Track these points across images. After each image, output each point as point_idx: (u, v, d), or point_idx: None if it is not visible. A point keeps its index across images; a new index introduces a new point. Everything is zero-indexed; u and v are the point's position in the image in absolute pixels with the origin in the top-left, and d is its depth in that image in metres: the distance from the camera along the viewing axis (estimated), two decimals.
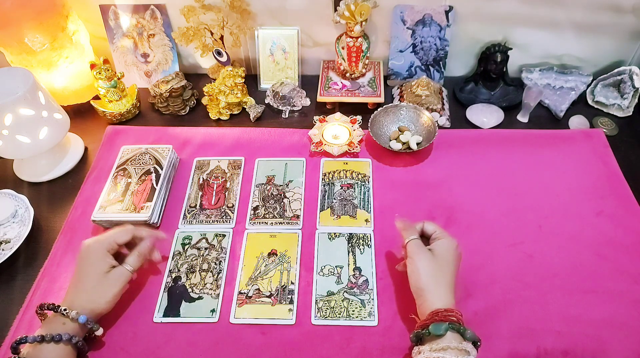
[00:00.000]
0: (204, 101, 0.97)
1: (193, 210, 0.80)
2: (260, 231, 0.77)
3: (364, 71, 0.99)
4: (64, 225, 0.79)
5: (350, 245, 0.74)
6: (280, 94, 0.97)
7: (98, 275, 0.62)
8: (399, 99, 0.98)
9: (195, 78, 1.06)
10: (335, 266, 0.72)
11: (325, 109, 0.99)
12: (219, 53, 0.99)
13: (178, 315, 0.67)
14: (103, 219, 0.75)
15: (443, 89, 1.01)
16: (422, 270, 0.60)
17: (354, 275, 0.71)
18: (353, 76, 0.98)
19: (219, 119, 0.98)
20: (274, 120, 0.98)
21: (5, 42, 0.88)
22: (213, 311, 0.67)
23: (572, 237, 0.74)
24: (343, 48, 0.94)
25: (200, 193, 0.83)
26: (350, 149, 0.87)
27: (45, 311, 0.60)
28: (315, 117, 0.94)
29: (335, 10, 0.91)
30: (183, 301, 0.68)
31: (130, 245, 0.68)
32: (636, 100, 0.94)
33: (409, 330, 0.64)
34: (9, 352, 0.57)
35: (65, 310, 0.58)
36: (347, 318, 0.66)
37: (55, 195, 0.85)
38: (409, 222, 0.67)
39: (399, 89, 1.01)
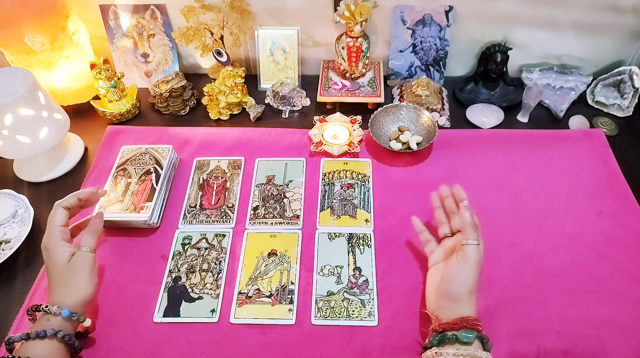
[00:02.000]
0: (204, 101, 0.98)
1: (193, 210, 0.80)
2: (260, 231, 0.77)
3: (364, 71, 0.99)
4: None
5: (350, 245, 0.74)
6: (280, 94, 0.97)
7: (62, 266, 0.61)
8: (399, 99, 0.98)
9: (195, 78, 1.06)
10: (335, 266, 0.72)
11: (325, 109, 0.99)
12: (219, 53, 0.99)
13: (178, 315, 0.67)
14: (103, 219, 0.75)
15: (443, 89, 1.01)
16: (468, 279, 0.58)
17: (354, 275, 0.71)
18: (353, 76, 0.98)
19: (219, 119, 0.98)
20: (274, 120, 0.98)
21: (5, 42, 0.88)
22: (213, 311, 0.67)
23: (572, 237, 0.74)
24: (343, 48, 0.94)
25: (200, 193, 0.83)
26: (350, 149, 0.87)
27: (32, 313, 0.60)
28: (315, 117, 0.94)
29: (335, 10, 0.91)
30: (183, 301, 0.68)
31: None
32: (636, 100, 0.94)
33: (409, 330, 0.64)
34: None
35: (47, 307, 0.58)
36: (347, 318, 0.66)
37: (55, 195, 0.84)
38: (470, 214, 0.60)
39: (399, 89, 1.01)
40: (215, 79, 1.01)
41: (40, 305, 0.59)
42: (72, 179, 0.88)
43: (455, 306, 0.57)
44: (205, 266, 0.73)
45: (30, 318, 0.61)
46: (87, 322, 0.61)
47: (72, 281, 0.61)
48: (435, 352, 0.55)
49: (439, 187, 0.81)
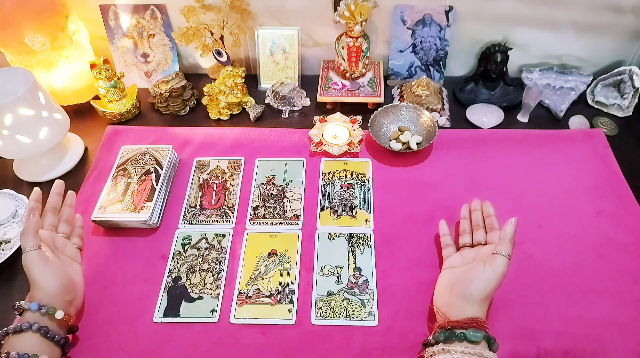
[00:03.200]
0: (204, 101, 0.98)
1: (193, 210, 0.80)
2: (260, 231, 0.77)
3: (364, 71, 0.99)
4: None
5: (350, 245, 0.74)
6: (280, 94, 0.97)
7: (22, 260, 0.61)
8: (399, 99, 0.98)
9: (195, 78, 1.06)
10: (335, 266, 0.72)
11: (325, 109, 0.99)
12: (219, 53, 0.99)
13: (178, 315, 0.67)
14: (103, 219, 0.75)
15: (443, 89, 1.01)
16: (488, 285, 0.59)
17: (354, 275, 0.71)
18: (353, 76, 0.98)
19: (219, 119, 0.98)
20: (274, 120, 0.98)
21: (5, 42, 0.88)
22: (213, 311, 0.67)
23: (572, 237, 0.74)
24: (343, 48, 0.94)
25: (200, 193, 0.83)
26: (350, 149, 0.87)
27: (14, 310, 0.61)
28: (315, 117, 0.94)
29: (335, 10, 0.91)
30: (183, 301, 0.68)
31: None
32: (636, 100, 0.94)
33: (409, 330, 0.64)
34: None
35: (19, 302, 0.59)
36: (347, 318, 0.66)
37: None
38: (514, 231, 0.61)
39: (399, 89, 1.01)
40: (215, 79, 1.01)
41: (16, 302, 0.60)
42: (72, 179, 0.88)
43: (467, 306, 0.58)
44: (205, 266, 0.73)
45: (19, 315, 0.61)
46: (59, 314, 0.59)
47: (30, 277, 0.60)
48: (442, 348, 0.55)
49: (439, 187, 0.82)
